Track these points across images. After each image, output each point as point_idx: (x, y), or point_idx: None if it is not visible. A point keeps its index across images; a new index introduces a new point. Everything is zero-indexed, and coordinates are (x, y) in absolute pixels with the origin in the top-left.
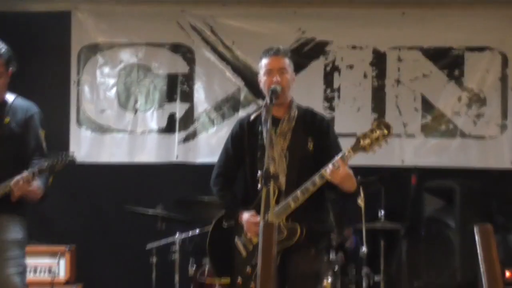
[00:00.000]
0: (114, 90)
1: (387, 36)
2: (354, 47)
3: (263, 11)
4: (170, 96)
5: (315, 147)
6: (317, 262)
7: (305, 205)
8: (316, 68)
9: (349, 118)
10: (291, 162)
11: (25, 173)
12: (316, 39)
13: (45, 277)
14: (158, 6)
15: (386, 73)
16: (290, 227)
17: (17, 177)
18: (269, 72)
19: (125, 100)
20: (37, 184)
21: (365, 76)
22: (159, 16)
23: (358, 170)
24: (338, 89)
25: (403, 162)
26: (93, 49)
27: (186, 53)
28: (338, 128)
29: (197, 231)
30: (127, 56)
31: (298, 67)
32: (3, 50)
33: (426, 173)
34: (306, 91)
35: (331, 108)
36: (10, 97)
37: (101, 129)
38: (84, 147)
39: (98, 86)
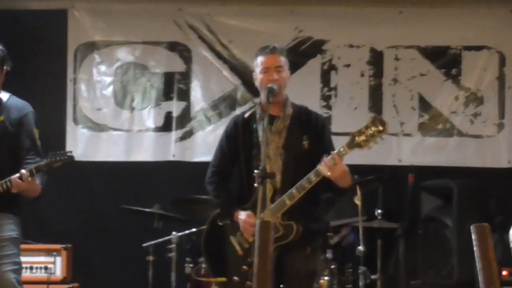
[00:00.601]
0: (110, 88)
1: (384, 35)
2: (351, 46)
3: (260, 10)
4: (166, 94)
5: (310, 145)
6: (313, 260)
7: (300, 203)
8: (313, 66)
9: (346, 117)
10: (286, 160)
11: (23, 171)
12: (313, 37)
13: (41, 275)
14: (155, 5)
15: (383, 72)
16: (286, 225)
17: (16, 175)
18: (266, 70)
19: (121, 99)
20: (35, 182)
21: (362, 75)
22: (156, 15)
23: (355, 169)
24: (335, 88)
25: (400, 161)
26: (90, 47)
27: (183, 51)
28: (335, 127)
29: (194, 229)
30: (123, 55)
31: (295, 66)
32: None
33: (423, 172)
34: (303, 89)
35: (328, 107)
36: (4, 96)
37: (98, 127)
38: (81, 145)
39: (94, 85)
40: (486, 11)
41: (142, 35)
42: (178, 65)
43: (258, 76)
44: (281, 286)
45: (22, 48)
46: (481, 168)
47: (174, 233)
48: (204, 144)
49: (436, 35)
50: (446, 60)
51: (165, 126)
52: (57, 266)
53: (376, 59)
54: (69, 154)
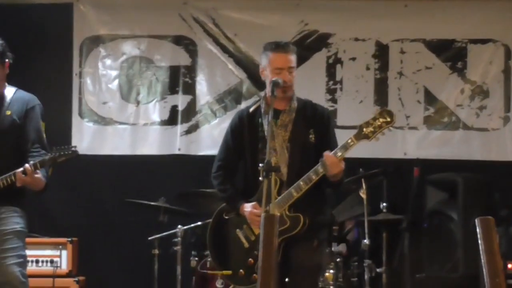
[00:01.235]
0: (116, 82)
1: (389, 28)
2: (356, 39)
3: (265, 3)
4: (172, 88)
5: (316, 138)
6: (319, 253)
7: (306, 196)
8: (319, 60)
9: (352, 111)
10: (292, 153)
11: (27, 165)
12: (319, 31)
13: (47, 268)
14: None
15: (389, 65)
16: (292, 217)
17: (20, 169)
18: (278, 70)
19: (127, 92)
20: (39, 176)
21: (367, 68)
22: (161, 8)
23: (360, 162)
24: (341, 81)
25: (406, 154)
26: (95, 41)
27: (188, 45)
28: (340, 120)
29: (199, 223)
30: (129, 48)
31: (301, 59)
32: None
33: (429, 166)
34: (308, 83)
35: (334, 101)
36: (11, 90)
37: (103, 121)
38: (86, 139)
39: (100, 78)
40: (491, 4)
41: (148, 28)
42: (183, 59)
43: (268, 74)
44: (286, 279)
45: (28, 42)
46: (486, 162)
47: (179, 226)
48: (209, 138)
49: (442, 28)
50: (451, 53)
51: (171, 120)
52: (63, 259)
53: (382, 53)
54: (73, 149)
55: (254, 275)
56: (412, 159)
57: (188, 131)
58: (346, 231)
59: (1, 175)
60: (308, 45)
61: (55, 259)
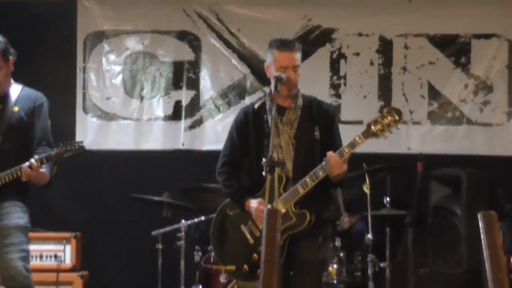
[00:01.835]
0: (120, 77)
1: (393, 23)
2: (360, 35)
3: None
4: (176, 83)
5: (321, 135)
6: (324, 249)
7: (311, 192)
8: (322, 55)
9: (356, 106)
10: (298, 150)
11: (32, 160)
12: (322, 26)
13: (51, 263)
14: None
15: (393, 61)
16: (299, 213)
17: (26, 164)
18: (284, 69)
19: (131, 88)
20: (45, 170)
21: (371, 63)
22: (165, 4)
23: (364, 157)
24: (345, 77)
25: (409, 149)
26: (99, 37)
27: (192, 40)
28: (344, 115)
29: (203, 218)
30: (133, 44)
31: (304, 55)
32: None
33: (432, 161)
34: (312, 78)
35: (337, 96)
36: (17, 87)
37: (107, 116)
38: (90, 134)
39: (104, 74)
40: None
41: (151, 24)
42: (187, 54)
43: (272, 70)
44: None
45: (32, 38)
46: (490, 157)
47: (183, 221)
48: (213, 133)
49: (445, 24)
50: (455, 49)
51: (175, 115)
52: (67, 254)
53: (385, 48)
54: (80, 144)
55: (259, 270)
56: (415, 154)
57: (192, 126)
58: (350, 225)
59: (7, 170)
60: (311, 41)
61: (58, 253)
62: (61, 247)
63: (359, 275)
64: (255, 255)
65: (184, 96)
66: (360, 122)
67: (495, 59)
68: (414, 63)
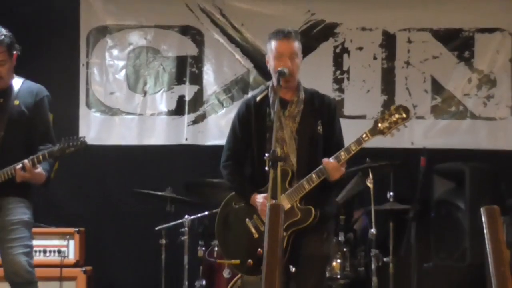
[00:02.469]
0: (123, 72)
1: (396, 17)
2: (363, 29)
3: None
4: (179, 78)
5: (324, 129)
6: (328, 244)
7: (315, 188)
8: (326, 50)
9: (359, 100)
10: (301, 143)
11: (25, 161)
12: (326, 21)
13: (54, 258)
14: None
15: (396, 55)
16: (304, 209)
17: (19, 165)
18: (280, 56)
19: (134, 83)
20: (39, 170)
21: (374, 57)
22: None
23: (367, 152)
24: (348, 71)
25: (413, 144)
26: (102, 32)
27: (195, 35)
28: (347, 110)
29: (206, 213)
30: (136, 39)
31: (307, 49)
32: (2, 36)
33: (436, 155)
34: (315, 73)
35: (341, 90)
36: (18, 80)
37: (111, 111)
38: (94, 129)
39: (107, 69)
40: None
41: (154, 19)
42: (190, 49)
43: (271, 62)
44: (294, 268)
45: (35, 32)
46: (493, 151)
47: (186, 216)
48: (216, 128)
49: (449, 18)
50: (458, 43)
51: (178, 110)
52: (70, 249)
53: (389, 42)
54: (82, 139)
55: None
56: (419, 148)
57: (195, 121)
58: (354, 220)
59: (10, 165)
60: (315, 35)
61: (62, 249)
62: (64, 242)
63: (363, 270)
64: (259, 249)
65: (188, 91)
66: (363, 117)
67: (498, 53)
68: (418, 57)
